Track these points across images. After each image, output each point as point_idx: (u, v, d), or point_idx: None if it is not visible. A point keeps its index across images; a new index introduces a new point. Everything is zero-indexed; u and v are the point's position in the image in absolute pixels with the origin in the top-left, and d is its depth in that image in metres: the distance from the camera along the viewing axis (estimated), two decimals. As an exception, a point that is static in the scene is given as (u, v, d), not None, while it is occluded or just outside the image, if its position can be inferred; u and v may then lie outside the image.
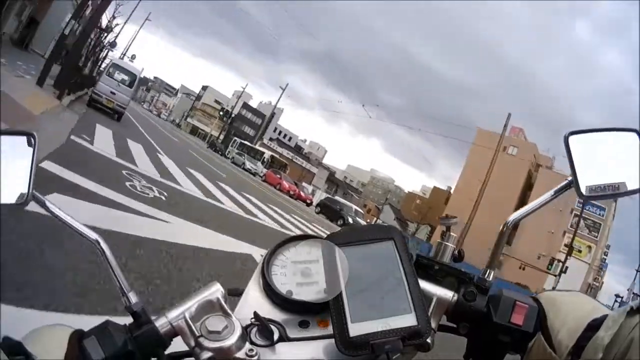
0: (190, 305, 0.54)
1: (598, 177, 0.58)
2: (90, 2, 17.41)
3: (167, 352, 0.55)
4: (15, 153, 0.55)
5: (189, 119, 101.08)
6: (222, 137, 67.50)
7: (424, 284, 0.58)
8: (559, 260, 33.28)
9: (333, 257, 0.52)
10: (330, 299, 0.50)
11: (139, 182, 6.93)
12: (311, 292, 0.62)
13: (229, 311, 0.54)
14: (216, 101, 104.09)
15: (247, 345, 0.52)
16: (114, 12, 30.23)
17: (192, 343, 0.51)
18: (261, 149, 52.28)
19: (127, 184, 6.48)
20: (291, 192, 35.39)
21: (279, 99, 54.55)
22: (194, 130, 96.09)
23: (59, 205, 0.55)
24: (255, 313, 0.56)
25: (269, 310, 0.60)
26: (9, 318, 2.03)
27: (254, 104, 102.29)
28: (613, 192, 0.58)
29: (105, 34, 31.21)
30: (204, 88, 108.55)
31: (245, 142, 52.95)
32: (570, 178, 0.58)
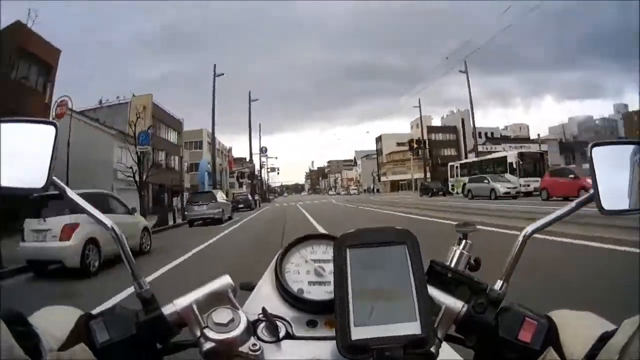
0: (200, 295, 0.55)
1: (621, 192, 0.56)
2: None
3: (173, 340, 0.56)
4: (38, 141, 0.57)
5: (382, 178, 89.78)
6: (428, 174, 53.45)
7: (435, 292, 0.56)
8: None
9: (342, 258, 0.51)
10: (336, 300, 0.49)
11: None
12: (322, 291, 0.61)
13: (236, 304, 0.55)
14: (399, 144, 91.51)
15: (252, 340, 0.52)
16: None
17: (198, 333, 0.52)
18: (496, 154, 35.22)
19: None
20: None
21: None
22: (395, 185, 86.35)
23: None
24: (263, 309, 0.56)
25: (278, 307, 0.60)
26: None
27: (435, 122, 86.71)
28: (636, 208, 0.56)
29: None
30: (379, 139, 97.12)
31: (467, 160, 36.71)
32: (592, 191, 0.56)
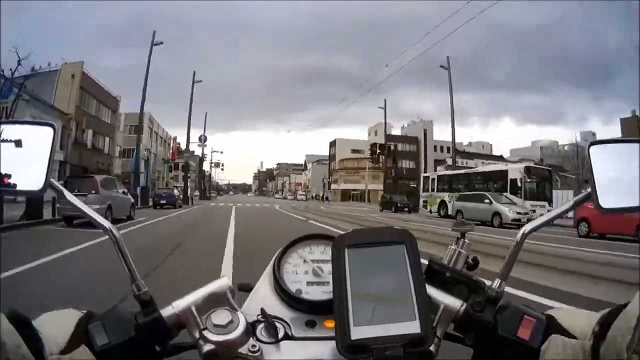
0: (198, 297, 0.55)
1: (618, 190, 0.57)
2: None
3: (172, 342, 0.56)
4: (35, 143, 0.57)
5: (333, 186, 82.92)
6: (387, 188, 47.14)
7: (433, 291, 0.56)
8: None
9: (341, 258, 0.52)
10: (335, 300, 0.49)
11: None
12: (320, 292, 0.61)
13: (235, 306, 0.55)
14: (354, 150, 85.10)
15: (251, 341, 0.52)
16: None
17: (197, 335, 0.52)
18: (491, 167, 28.46)
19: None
20: None
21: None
22: (346, 195, 79.84)
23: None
24: (261, 309, 0.56)
25: (277, 308, 0.60)
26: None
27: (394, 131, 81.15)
28: (634, 206, 0.56)
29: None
30: (333, 144, 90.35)
31: (449, 172, 30.08)
32: (589, 189, 0.57)
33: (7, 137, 0.55)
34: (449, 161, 53.21)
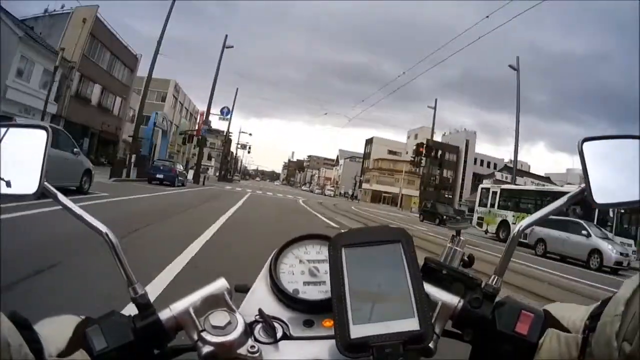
0: (196, 299, 0.55)
1: (612, 186, 0.57)
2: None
3: (170, 345, 0.56)
4: (28, 146, 0.57)
5: (364, 185, 77.48)
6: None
7: (430, 289, 0.57)
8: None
9: (338, 257, 0.52)
10: (334, 299, 0.50)
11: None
12: (317, 291, 0.62)
13: (233, 307, 0.55)
14: (391, 152, 79.42)
15: (250, 342, 0.52)
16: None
17: (195, 337, 0.52)
18: (571, 186, 22.38)
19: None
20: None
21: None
22: (376, 196, 74.71)
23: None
24: (259, 310, 0.56)
25: (274, 308, 0.60)
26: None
27: (437, 137, 75.17)
28: (627, 201, 0.57)
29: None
30: (369, 142, 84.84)
31: (518, 187, 24.29)
32: (583, 186, 0.57)
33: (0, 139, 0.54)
34: (498, 175, 47.35)
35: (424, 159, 37.11)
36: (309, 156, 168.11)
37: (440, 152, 44.76)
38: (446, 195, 69.67)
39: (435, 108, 43.07)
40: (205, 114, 36.94)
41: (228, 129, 51.97)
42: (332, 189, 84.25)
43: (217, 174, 53.98)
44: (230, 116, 43.89)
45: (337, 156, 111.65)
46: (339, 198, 69.58)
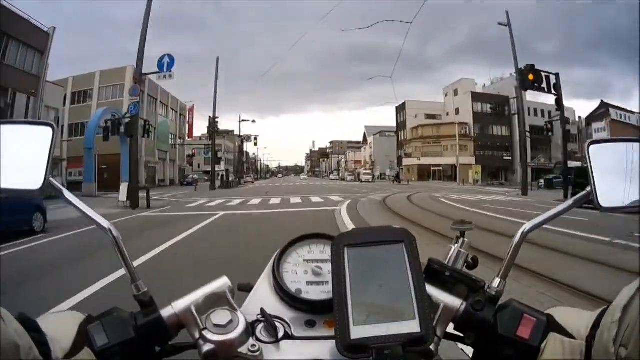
0: (198, 297, 0.55)
1: (618, 189, 0.57)
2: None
3: (172, 342, 0.56)
4: (35, 142, 0.58)
5: (405, 161, 62.86)
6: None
7: (433, 291, 0.57)
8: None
9: (341, 257, 0.52)
10: (335, 300, 0.50)
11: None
12: (320, 291, 0.62)
13: (235, 306, 0.55)
14: (429, 116, 64.75)
15: (251, 341, 0.53)
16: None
17: (197, 335, 0.53)
18: None
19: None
20: None
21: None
22: (423, 172, 59.57)
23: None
24: (261, 309, 0.57)
25: (276, 308, 0.60)
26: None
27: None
28: (633, 205, 0.57)
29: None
30: (401, 108, 69.77)
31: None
32: (589, 188, 0.57)
33: (6, 136, 0.55)
34: (613, 114, 33.26)
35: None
36: (331, 142, 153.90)
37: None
38: (504, 158, 55.65)
39: (509, 25, 28.42)
40: (135, 70, 18.83)
41: (213, 125, 37.86)
42: (369, 172, 68.50)
43: (220, 179, 40.62)
44: (239, 122, 29.31)
45: (364, 134, 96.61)
46: (378, 182, 55.33)
